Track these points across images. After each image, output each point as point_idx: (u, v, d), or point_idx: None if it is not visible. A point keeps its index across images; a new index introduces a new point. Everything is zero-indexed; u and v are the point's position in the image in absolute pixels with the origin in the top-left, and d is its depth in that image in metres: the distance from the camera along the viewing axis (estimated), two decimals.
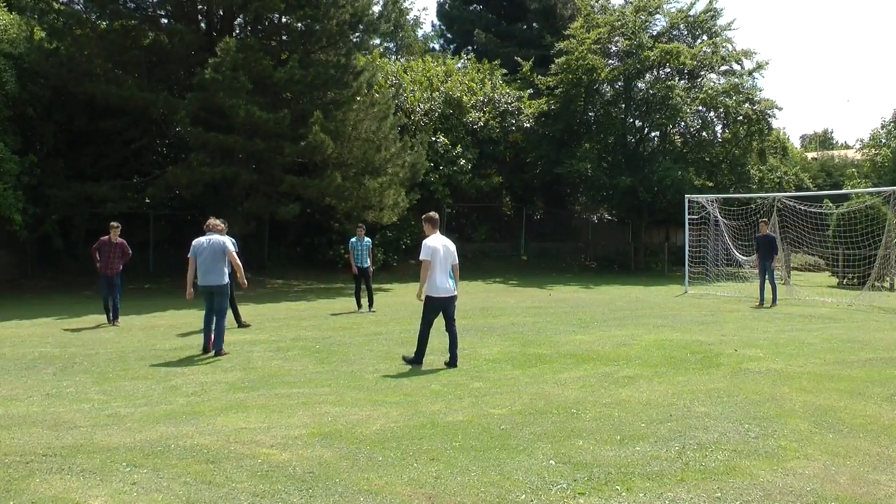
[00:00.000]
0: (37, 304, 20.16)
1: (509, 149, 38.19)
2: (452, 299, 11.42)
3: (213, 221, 12.86)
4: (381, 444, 7.19)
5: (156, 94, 23.17)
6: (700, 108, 36.62)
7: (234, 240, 13.31)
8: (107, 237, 16.53)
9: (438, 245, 11.16)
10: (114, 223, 16.81)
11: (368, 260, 18.95)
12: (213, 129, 22.96)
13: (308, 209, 27.72)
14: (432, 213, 11.60)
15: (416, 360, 11.30)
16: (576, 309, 19.45)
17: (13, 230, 22.83)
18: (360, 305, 18.94)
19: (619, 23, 36.35)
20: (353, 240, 19.01)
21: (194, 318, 17.50)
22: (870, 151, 49.07)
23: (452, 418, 8.12)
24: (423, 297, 11.33)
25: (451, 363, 11.24)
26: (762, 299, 20.58)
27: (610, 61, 37.32)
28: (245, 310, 18.79)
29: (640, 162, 35.91)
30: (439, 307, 11.32)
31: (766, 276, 20.69)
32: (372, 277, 19.30)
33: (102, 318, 16.69)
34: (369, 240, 19.24)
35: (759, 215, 25.74)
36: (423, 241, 11.27)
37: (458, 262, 11.51)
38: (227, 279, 12.58)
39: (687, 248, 26.65)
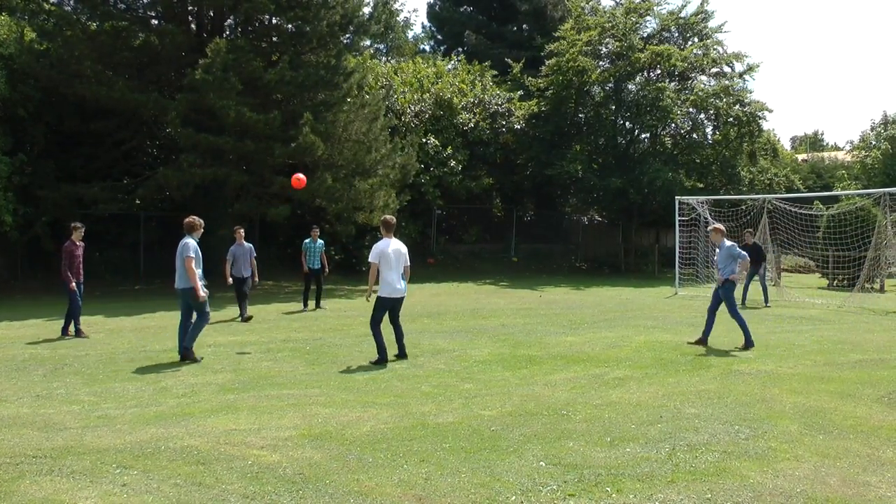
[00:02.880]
0: (27, 306, 20.09)
1: (500, 150, 38.14)
2: (402, 300, 11.99)
3: (192, 221, 12.33)
4: (372, 445, 7.19)
5: (146, 95, 23.10)
6: (691, 109, 36.68)
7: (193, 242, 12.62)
8: (69, 242, 15.05)
9: (388, 249, 11.58)
10: (78, 223, 15.37)
11: (320, 262, 19.40)
12: (203, 131, 22.89)
13: (298, 210, 27.69)
14: (387, 217, 12.08)
15: (380, 361, 11.57)
16: (566, 310, 19.47)
17: (4, 231, 22.76)
18: (306, 305, 19.46)
19: (610, 24, 36.36)
20: (307, 241, 19.25)
21: None
22: (860, 153, 49.25)
23: (443, 420, 8.13)
24: (370, 299, 11.72)
25: (401, 355, 11.97)
26: (744, 299, 20.68)
27: (600, 63, 37.31)
28: (235, 311, 18.77)
29: (630, 163, 35.92)
30: (389, 307, 11.81)
31: (757, 280, 20.86)
32: (324, 279, 20.04)
33: (87, 322, 16.51)
34: (322, 242, 19.69)
35: (748, 217, 25.82)
36: (375, 245, 11.74)
37: (409, 264, 12.00)
38: (189, 283, 11.94)
39: (677, 249, 26.69)
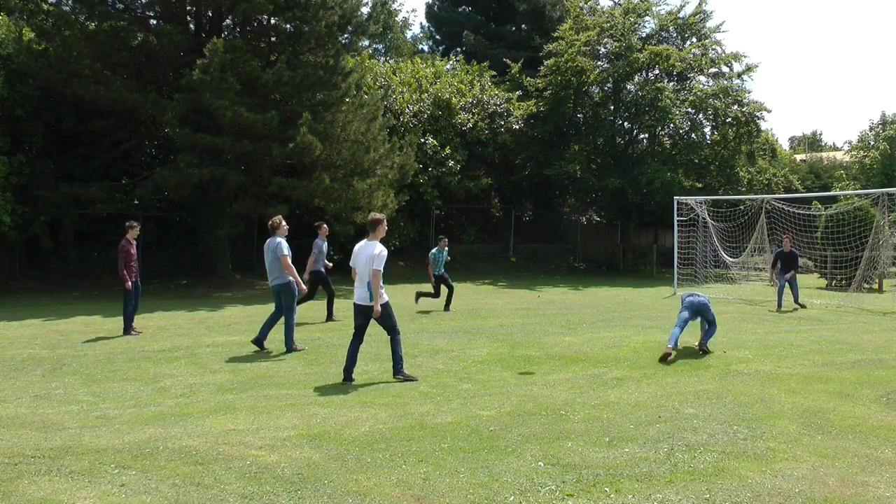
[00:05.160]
0: (25, 306, 20.09)
1: (498, 150, 38.22)
2: (369, 310, 10.31)
3: (272, 221, 13.33)
4: (370, 445, 7.19)
5: (144, 95, 23.05)
6: (689, 110, 36.63)
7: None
8: (125, 241, 14.88)
9: (356, 251, 10.49)
10: (133, 222, 15.19)
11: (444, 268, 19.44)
12: (201, 131, 22.88)
13: (297, 210, 27.68)
14: (371, 216, 10.68)
15: (344, 375, 10.44)
16: (564, 311, 19.47)
17: (2, 231, 22.75)
18: (448, 308, 19.33)
19: (608, 25, 36.41)
20: (435, 250, 19.20)
21: (182, 319, 17.49)
22: (858, 153, 49.33)
23: (441, 420, 8.13)
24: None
25: (393, 372, 10.57)
26: (780, 304, 20.34)
27: (599, 63, 37.34)
28: (233, 311, 18.83)
29: (629, 164, 35.92)
30: (357, 315, 10.50)
31: (790, 283, 20.53)
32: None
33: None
34: (448, 250, 19.72)
35: (745, 217, 25.82)
36: None
37: (377, 268, 10.13)
38: (286, 278, 12.93)
39: (676, 249, 26.66)
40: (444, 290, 19.42)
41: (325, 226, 17.98)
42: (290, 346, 12.83)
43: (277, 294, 13.12)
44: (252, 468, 6.53)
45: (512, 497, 5.90)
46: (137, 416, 8.30)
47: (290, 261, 12.90)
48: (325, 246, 17.56)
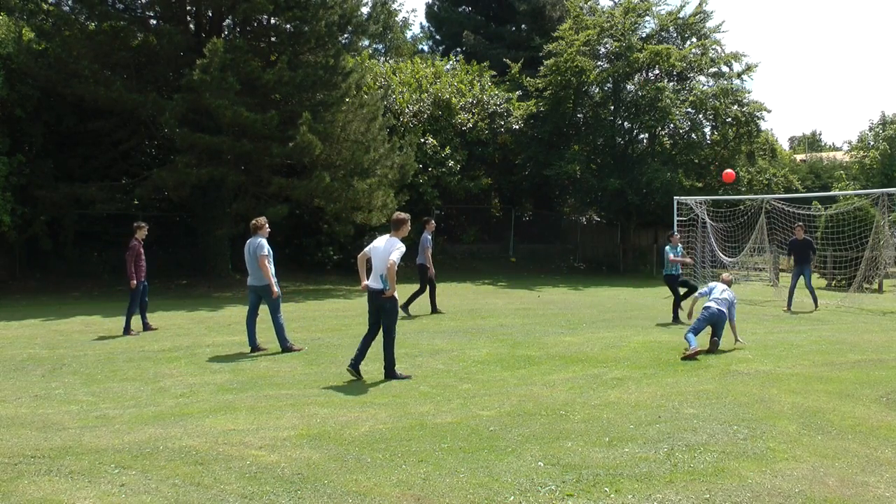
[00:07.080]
0: (25, 306, 20.09)
1: (498, 150, 38.17)
2: (377, 294, 10.35)
3: (256, 221, 13.15)
4: (370, 445, 7.19)
5: (144, 95, 23.05)
6: (689, 110, 36.57)
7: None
8: (136, 241, 15.33)
9: (376, 243, 10.50)
10: (142, 223, 15.70)
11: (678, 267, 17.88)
12: (200, 131, 22.87)
13: (297, 210, 27.66)
14: (396, 215, 10.83)
15: (350, 363, 10.58)
16: (564, 311, 19.46)
17: (2, 231, 22.76)
18: (677, 318, 17.28)
19: (608, 24, 36.32)
20: (668, 247, 17.91)
21: (182, 319, 17.50)
22: (858, 153, 49.31)
23: (441, 420, 8.13)
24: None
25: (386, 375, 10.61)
26: (790, 304, 19.90)
27: (599, 63, 37.29)
28: (233, 311, 18.83)
29: (629, 164, 35.88)
30: (369, 300, 10.50)
31: (804, 281, 20.01)
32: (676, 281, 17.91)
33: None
34: (668, 248, 18.01)
35: (745, 217, 25.80)
36: None
37: (392, 261, 10.11)
38: (265, 280, 12.80)
39: None
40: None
41: (432, 221, 19.36)
42: (284, 346, 12.81)
43: (255, 294, 13.07)
44: (252, 468, 6.53)
45: (512, 497, 5.91)
46: (137, 416, 8.30)
47: (267, 262, 12.77)
48: (429, 240, 18.59)
